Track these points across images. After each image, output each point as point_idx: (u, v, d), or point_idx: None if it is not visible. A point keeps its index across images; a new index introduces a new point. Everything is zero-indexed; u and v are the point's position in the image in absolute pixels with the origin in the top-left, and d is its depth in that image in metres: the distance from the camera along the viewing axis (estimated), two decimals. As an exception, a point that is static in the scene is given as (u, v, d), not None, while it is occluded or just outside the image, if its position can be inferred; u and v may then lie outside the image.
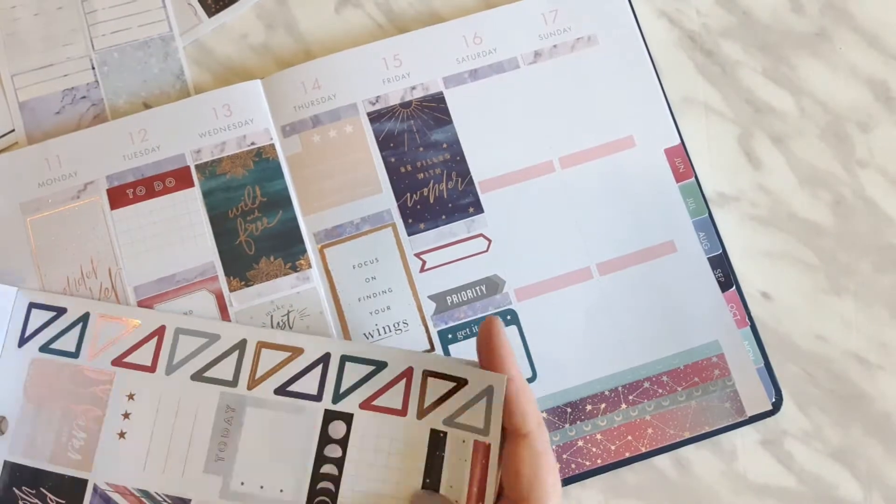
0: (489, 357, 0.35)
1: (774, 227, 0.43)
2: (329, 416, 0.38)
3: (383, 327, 0.41)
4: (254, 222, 0.42)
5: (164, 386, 0.39)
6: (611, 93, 0.43)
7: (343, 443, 0.38)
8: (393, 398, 0.38)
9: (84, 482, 0.39)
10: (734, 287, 0.41)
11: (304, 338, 0.39)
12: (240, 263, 0.41)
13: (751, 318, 0.41)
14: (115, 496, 0.38)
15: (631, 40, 0.44)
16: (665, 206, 0.42)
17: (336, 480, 0.38)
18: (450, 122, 0.43)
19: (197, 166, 0.42)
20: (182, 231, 0.41)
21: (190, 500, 0.38)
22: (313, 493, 0.38)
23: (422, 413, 0.38)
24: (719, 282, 0.41)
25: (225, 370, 0.39)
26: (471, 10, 0.45)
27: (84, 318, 0.40)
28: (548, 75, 0.43)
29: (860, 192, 0.43)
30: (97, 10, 0.45)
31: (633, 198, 0.42)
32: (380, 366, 0.39)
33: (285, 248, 0.41)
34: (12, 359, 0.40)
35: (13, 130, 0.44)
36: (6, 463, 0.39)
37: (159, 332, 0.40)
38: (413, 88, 0.43)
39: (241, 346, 0.39)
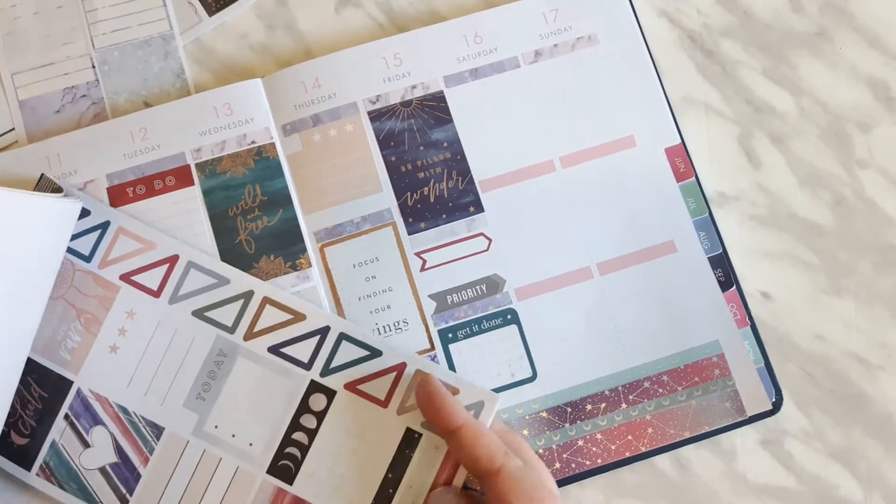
0: (436, 415, 0.36)
1: (774, 227, 0.43)
2: (313, 387, 0.39)
3: (383, 326, 0.41)
4: (254, 221, 0.42)
5: (164, 313, 0.40)
6: (611, 92, 0.43)
7: (320, 416, 0.39)
8: (378, 388, 0.39)
9: (70, 383, 0.39)
10: (734, 287, 0.41)
11: (308, 306, 0.40)
12: (240, 262, 0.41)
13: (751, 318, 0.41)
14: (95, 404, 0.39)
15: (631, 40, 0.44)
16: (665, 205, 0.42)
17: (304, 450, 0.38)
18: (450, 121, 0.43)
19: (197, 165, 0.42)
20: (182, 230, 0.41)
21: (164, 429, 0.39)
22: (280, 455, 0.38)
23: (402, 410, 0.39)
24: (719, 281, 0.41)
25: (226, 315, 0.40)
26: (471, 9, 0.45)
27: (104, 226, 0.41)
28: (548, 74, 0.43)
29: (860, 192, 0.43)
30: (97, 8, 0.45)
31: (633, 197, 0.42)
32: (374, 353, 0.39)
33: (285, 246, 0.41)
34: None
35: (13, 129, 0.44)
36: None
37: (172, 260, 0.40)
38: (413, 87, 0.43)
39: (247, 296, 0.40)
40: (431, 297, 0.41)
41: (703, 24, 0.45)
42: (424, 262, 0.42)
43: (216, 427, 0.39)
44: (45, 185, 0.41)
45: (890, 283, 0.42)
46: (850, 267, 0.42)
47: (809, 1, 0.45)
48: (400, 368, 0.39)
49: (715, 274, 0.41)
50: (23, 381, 0.39)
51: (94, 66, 0.44)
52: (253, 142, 0.42)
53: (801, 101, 0.44)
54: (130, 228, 0.41)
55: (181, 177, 0.42)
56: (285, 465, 0.38)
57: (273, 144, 0.42)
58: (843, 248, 0.43)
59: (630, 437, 0.40)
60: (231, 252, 0.41)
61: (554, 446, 0.40)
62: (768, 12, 0.45)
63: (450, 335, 0.41)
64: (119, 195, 0.42)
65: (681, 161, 0.43)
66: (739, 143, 0.44)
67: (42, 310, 0.39)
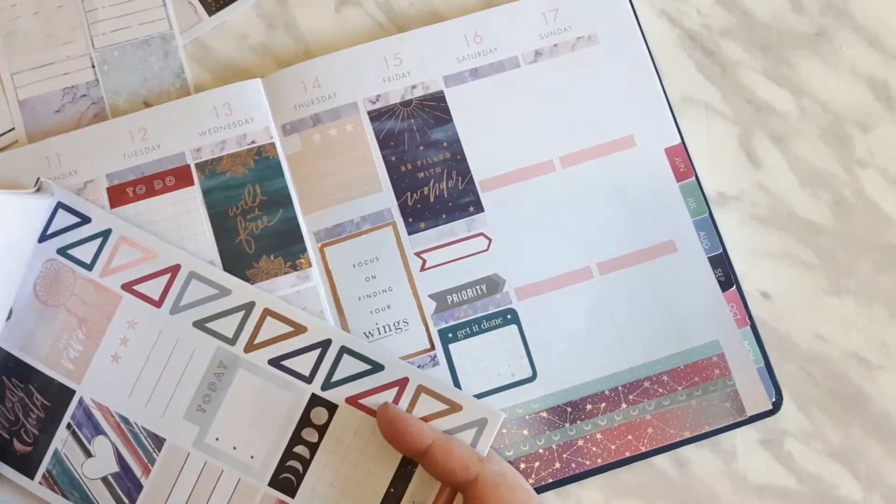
0: (402, 440, 0.36)
1: (774, 227, 0.43)
2: (314, 401, 0.39)
3: (383, 326, 0.41)
4: (254, 221, 0.42)
5: (165, 324, 0.40)
6: (611, 92, 0.43)
7: (321, 430, 0.39)
8: (380, 402, 0.39)
9: (72, 392, 0.39)
10: (734, 287, 0.41)
11: (310, 318, 0.40)
12: (240, 262, 0.41)
13: (751, 318, 0.41)
14: (97, 414, 0.39)
15: (631, 40, 0.44)
16: (665, 205, 0.42)
17: (306, 463, 0.38)
18: (450, 120, 0.43)
19: (197, 165, 0.42)
20: (182, 230, 0.41)
21: (164, 440, 0.39)
22: (281, 468, 0.38)
23: None
24: (719, 281, 0.41)
25: (227, 327, 0.40)
26: (471, 9, 0.45)
27: (105, 234, 0.40)
28: (548, 74, 0.43)
29: (860, 192, 0.43)
30: (97, 8, 0.45)
31: (633, 197, 0.42)
32: (376, 367, 0.39)
33: (285, 246, 0.41)
34: (29, 252, 0.40)
35: (13, 129, 0.44)
36: (1, 350, 0.40)
37: (174, 269, 0.40)
38: (413, 87, 0.43)
39: (248, 307, 0.40)
40: (431, 296, 0.41)
41: (702, 24, 0.45)
42: (424, 261, 0.42)
43: (217, 439, 0.39)
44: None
45: (889, 282, 0.42)
46: (849, 267, 0.42)
47: (809, 1, 0.45)
48: (402, 383, 0.39)
49: (715, 274, 0.41)
50: (25, 390, 0.39)
51: (93, 66, 0.44)
52: (253, 142, 0.42)
53: (801, 101, 0.44)
54: (132, 237, 0.41)
55: (181, 177, 0.42)
56: (287, 479, 0.38)
57: (273, 144, 0.42)
58: (843, 248, 0.43)
59: (630, 437, 0.40)
60: (231, 252, 0.41)
61: (554, 446, 0.40)
62: (768, 12, 0.45)
63: (450, 335, 0.41)
64: (119, 195, 0.42)
65: (681, 161, 0.43)
66: (739, 143, 0.44)
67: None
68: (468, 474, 0.35)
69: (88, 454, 0.39)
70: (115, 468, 0.39)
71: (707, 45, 0.45)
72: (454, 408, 0.38)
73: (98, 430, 0.39)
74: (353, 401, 0.39)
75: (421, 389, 0.38)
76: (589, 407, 0.40)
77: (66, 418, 0.39)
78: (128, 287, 0.40)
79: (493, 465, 0.35)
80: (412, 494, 0.38)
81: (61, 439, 0.39)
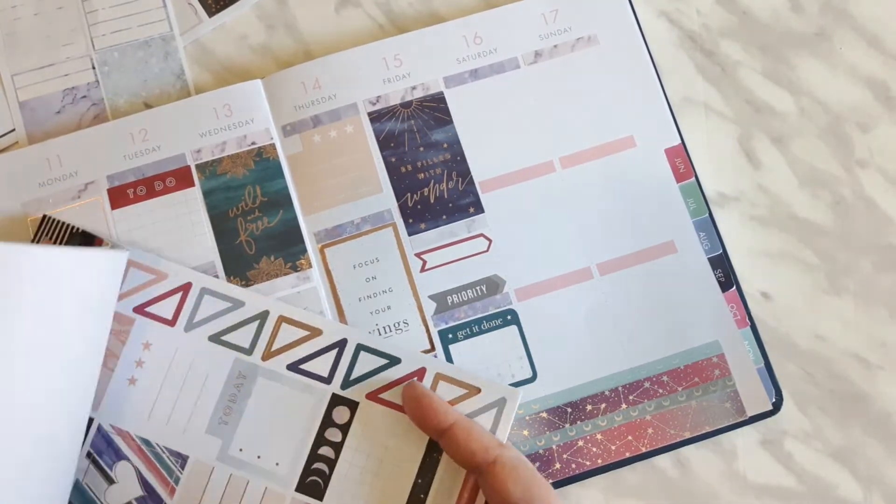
0: (426, 417, 0.37)
1: (774, 227, 0.43)
2: (335, 401, 0.39)
3: (384, 327, 0.41)
4: (254, 222, 0.42)
5: (181, 342, 0.40)
6: (611, 93, 0.43)
7: (344, 429, 0.39)
8: (400, 394, 0.39)
9: (90, 420, 0.39)
10: (734, 287, 0.41)
11: (324, 320, 0.40)
12: (240, 263, 0.41)
13: (751, 318, 0.41)
14: (116, 439, 0.39)
15: (631, 40, 0.44)
16: (665, 206, 0.42)
17: (331, 464, 0.38)
18: (450, 121, 0.43)
19: (197, 166, 0.42)
20: (182, 231, 0.41)
21: (188, 457, 0.39)
22: (307, 472, 0.38)
23: None
24: (719, 282, 0.41)
25: (243, 338, 0.40)
26: (471, 9, 0.45)
27: None
28: (548, 75, 0.43)
29: (860, 192, 0.43)
30: (97, 9, 0.45)
31: (633, 198, 0.42)
32: (393, 361, 0.39)
33: (286, 247, 0.41)
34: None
35: (13, 130, 0.44)
36: None
37: (185, 288, 0.40)
38: (413, 88, 0.43)
39: (262, 316, 0.40)
40: (432, 297, 0.41)
41: (702, 25, 0.45)
42: (425, 262, 0.42)
43: (241, 450, 0.38)
44: (50, 227, 0.41)
45: (889, 282, 0.42)
46: (849, 267, 0.42)
47: (809, 1, 0.45)
48: (420, 374, 0.39)
49: (715, 274, 0.41)
50: None
51: (94, 67, 0.45)
52: (253, 143, 0.42)
53: (800, 101, 0.44)
54: (140, 260, 0.40)
55: (181, 178, 0.42)
56: (314, 482, 0.38)
57: (273, 145, 0.42)
58: (843, 248, 0.43)
59: (630, 438, 0.40)
60: (231, 253, 0.41)
61: (554, 447, 0.40)
62: (768, 12, 0.45)
63: (450, 336, 0.41)
64: (119, 196, 0.42)
65: (681, 161, 0.43)
66: (739, 144, 0.44)
67: (99, 367, 0.38)
68: (487, 456, 0.35)
69: (111, 481, 0.39)
70: (140, 492, 0.38)
71: (707, 45, 0.45)
72: (473, 391, 0.38)
73: (119, 456, 0.39)
74: (373, 396, 0.39)
75: (439, 377, 0.39)
76: (589, 407, 0.40)
77: (86, 447, 0.39)
78: (140, 310, 0.40)
79: (512, 451, 0.36)
80: (440, 482, 0.38)
81: (81, 469, 0.39)
